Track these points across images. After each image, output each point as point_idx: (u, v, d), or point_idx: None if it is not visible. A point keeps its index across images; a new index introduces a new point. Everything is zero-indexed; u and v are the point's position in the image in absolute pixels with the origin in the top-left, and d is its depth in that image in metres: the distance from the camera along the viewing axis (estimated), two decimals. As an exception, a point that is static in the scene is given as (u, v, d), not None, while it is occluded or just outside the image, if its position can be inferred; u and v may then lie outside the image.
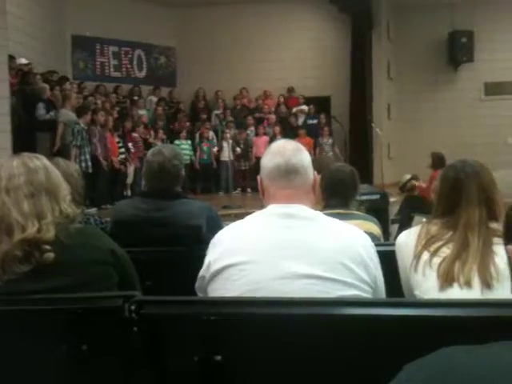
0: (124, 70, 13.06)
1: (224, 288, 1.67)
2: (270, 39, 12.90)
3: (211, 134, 11.80)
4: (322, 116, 12.20)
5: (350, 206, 2.86)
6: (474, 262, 1.77)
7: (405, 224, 6.12)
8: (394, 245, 2.03)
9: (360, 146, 12.17)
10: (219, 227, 2.02)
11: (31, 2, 10.50)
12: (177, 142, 10.91)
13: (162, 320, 1.56)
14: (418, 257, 1.86)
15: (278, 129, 11.58)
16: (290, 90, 12.96)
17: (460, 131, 12.35)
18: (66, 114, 8.83)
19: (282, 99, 12.81)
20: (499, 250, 1.76)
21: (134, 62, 13.18)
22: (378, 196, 5.85)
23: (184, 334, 1.55)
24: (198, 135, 11.75)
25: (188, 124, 11.88)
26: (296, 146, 1.84)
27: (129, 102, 11.83)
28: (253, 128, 12.02)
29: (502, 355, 0.69)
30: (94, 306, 1.60)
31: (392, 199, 7.41)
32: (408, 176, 10.17)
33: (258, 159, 2.82)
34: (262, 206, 1.81)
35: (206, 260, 1.76)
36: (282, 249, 1.65)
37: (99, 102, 10.56)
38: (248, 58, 12.88)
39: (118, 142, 9.86)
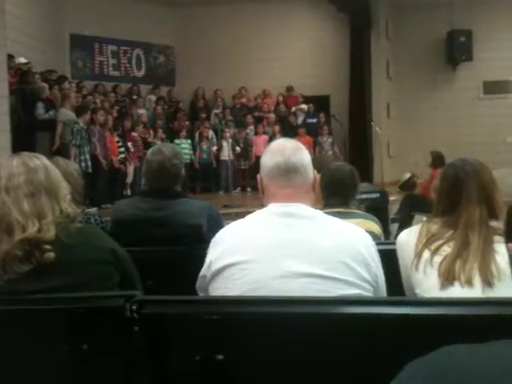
0: (123, 69, 13.05)
1: (225, 287, 1.67)
2: (269, 38, 12.90)
3: (211, 133, 11.80)
4: (322, 115, 12.21)
5: (349, 204, 2.86)
6: (474, 261, 1.77)
7: (405, 223, 6.11)
8: (394, 243, 2.03)
9: (359, 144, 12.18)
10: (220, 226, 2.02)
11: (30, 1, 10.49)
12: (177, 141, 10.90)
13: (164, 319, 1.56)
14: (418, 255, 1.86)
15: (277, 128, 11.58)
16: (289, 88, 12.96)
17: (459, 130, 12.35)
18: (66, 114, 8.83)
19: (281, 98, 12.81)
20: (500, 249, 1.77)
21: (133, 61, 13.17)
22: (377, 195, 5.85)
23: (185, 334, 1.55)
24: (197, 134, 11.74)
25: (187, 123, 11.87)
26: (296, 145, 1.84)
27: (128, 101, 11.82)
28: (252, 127, 12.02)
29: (503, 354, 0.69)
30: (95, 305, 1.60)
31: (392, 198, 7.41)
32: (408, 175, 10.17)
33: (258, 158, 2.82)
34: (262, 205, 1.81)
35: (207, 259, 1.76)
36: (283, 248, 1.65)
37: (98, 101, 10.56)
38: (247, 57, 12.87)
39: (118, 142, 9.86)
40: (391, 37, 12.78)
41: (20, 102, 8.46)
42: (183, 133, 11.40)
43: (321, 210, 1.95)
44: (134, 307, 1.52)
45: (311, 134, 11.70)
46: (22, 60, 9.42)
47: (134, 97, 12.03)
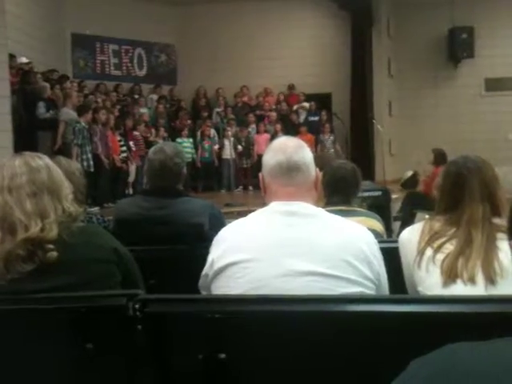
0: (124, 68, 13.05)
1: (227, 286, 1.67)
2: (271, 37, 12.89)
3: (212, 131, 11.80)
4: (323, 113, 12.19)
5: (351, 202, 2.86)
6: (477, 258, 1.76)
7: (407, 221, 6.11)
8: (396, 241, 2.03)
9: (361, 142, 12.17)
10: (222, 225, 2.01)
11: (30, 0, 10.50)
12: (178, 140, 10.90)
13: (166, 318, 1.56)
14: (421, 253, 1.86)
15: (279, 126, 11.57)
16: (291, 87, 12.96)
17: (461, 127, 12.33)
18: (67, 113, 8.84)
19: (281, 97, 12.80)
20: (503, 246, 1.76)
21: (135, 61, 13.17)
22: (379, 193, 5.84)
23: (188, 332, 1.55)
24: (199, 133, 11.74)
25: (189, 122, 11.87)
26: (298, 143, 1.83)
27: (130, 100, 11.82)
28: (254, 125, 12.02)
29: (505, 351, 0.68)
30: (98, 304, 1.60)
31: (394, 196, 7.40)
32: (410, 172, 10.16)
33: (260, 157, 2.82)
34: (264, 204, 1.81)
35: (210, 258, 1.76)
36: (285, 246, 1.65)
37: (100, 100, 10.56)
38: (248, 55, 12.87)
39: (120, 141, 9.87)
40: (392, 34, 12.75)
41: (22, 101, 8.47)
42: (185, 132, 11.40)
43: (323, 208, 1.95)
44: (136, 306, 1.52)
45: (313, 132, 11.69)
46: (24, 60, 9.43)
47: (136, 96, 12.03)
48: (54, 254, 1.65)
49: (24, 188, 1.71)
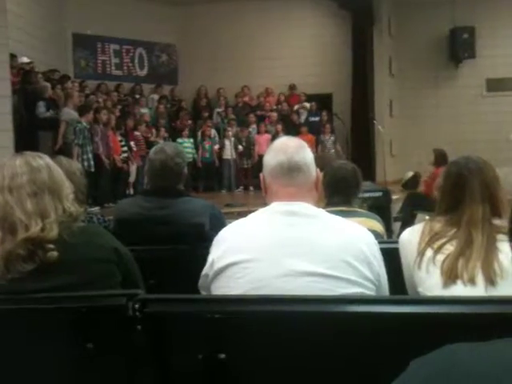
0: (125, 68, 13.06)
1: (227, 286, 1.67)
2: (271, 36, 12.89)
3: (213, 131, 11.80)
4: (324, 113, 12.19)
5: (352, 203, 2.86)
6: (477, 259, 1.76)
7: (407, 221, 6.11)
8: (397, 242, 2.03)
9: (362, 143, 12.16)
10: (222, 225, 2.02)
11: (31, 0, 10.50)
12: (179, 140, 10.90)
13: (166, 318, 1.56)
14: (421, 254, 1.86)
15: (280, 126, 11.56)
16: (292, 87, 12.96)
17: (462, 128, 12.32)
18: (68, 113, 8.84)
19: (282, 97, 12.80)
20: (503, 247, 1.76)
21: (136, 60, 13.17)
22: (380, 193, 5.84)
23: (188, 332, 1.55)
24: (199, 133, 11.74)
25: (190, 122, 11.87)
26: (299, 144, 1.83)
27: (131, 100, 11.82)
28: (255, 126, 12.01)
29: (505, 352, 0.68)
30: (98, 304, 1.61)
31: (394, 197, 7.40)
32: (410, 173, 10.16)
33: (261, 157, 2.82)
34: (264, 204, 1.81)
35: (210, 258, 1.76)
36: (285, 246, 1.65)
37: (101, 100, 10.56)
38: (249, 55, 12.87)
39: (121, 141, 9.87)
40: (394, 34, 12.75)
41: (22, 101, 8.47)
42: (186, 132, 11.40)
43: (323, 208, 1.95)
44: (136, 306, 1.52)
45: (313, 132, 11.68)
46: (25, 59, 9.43)
47: (137, 96, 12.03)
48: (55, 253, 1.66)
49: (25, 188, 1.71)
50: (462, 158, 2.05)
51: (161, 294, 1.66)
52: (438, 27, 12.61)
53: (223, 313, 1.49)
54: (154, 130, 11.02)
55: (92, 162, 8.85)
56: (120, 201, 3.59)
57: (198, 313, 1.53)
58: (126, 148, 9.97)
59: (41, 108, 8.55)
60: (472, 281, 1.73)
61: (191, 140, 11.48)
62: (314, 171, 1.82)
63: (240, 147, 11.70)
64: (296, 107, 12.58)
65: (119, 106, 11.09)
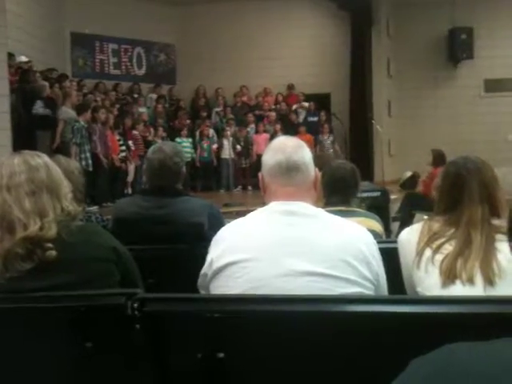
0: (124, 67, 13.05)
1: (226, 285, 1.67)
2: (270, 36, 12.89)
3: (211, 131, 11.80)
4: (322, 113, 12.19)
5: (351, 203, 2.86)
6: (476, 259, 1.76)
7: (406, 221, 6.12)
8: (395, 242, 2.03)
9: (360, 143, 12.18)
10: (221, 224, 2.01)
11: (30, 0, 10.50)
12: (178, 139, 10.90)
13: (165, 317, 1.56)
14: (420, 253, 1.86)
15: (278, 126, 11.57)
16: (290, 87, 12.96)
17: (460, 128, 12.34)
18: (66, 112, 8.83)
19: (280, 97, 12.80)
20: (502, 247, 1.77)
21: (134, 60, 13.17)
22: (378, 193, 5.85)
23: (187, 332, 1.55)
24: (198, 133, 11.74)
25: (188, 122, 11.87)
26: (297, 143, 1.83)
27: (129, 99, 11.81)
28: (253, 125, 12.01)
29: (504, 352, 0.68)
30: (97, 303, 1.60)
31: (392, 196, 7.41)
32: (409, 173, 10.18)
33: (259, 157, 2.82)
34: (263, 204, 1.81)
35: (208, 257, 1.76)
36: (284, 246, 1.65)
37: (99, 99, 10.55)
38: (248, 55, 12.87)
39: (119, 140, 9.86)
40: (392, 35, 12.76)
41: (21, 100, 8.46)
42: (184, 131, 11.40)
43: (322, 208, 1.95)
44: (135, 305, 1.52)
45: (312, 132, 11.69)
46: (23, 58, 9.42)
47: (135, 95, 12.03)
48: (53, 252, 1.65)
49: (23, 187, 1.71)
50: (461, 158, 2.05)
51: (159, 294, 1.66)
52: (437, 28, 12.62)
53: (222, 312, 1.49)
54: (152, 130, 11.01)
55: (90, 161, 8.84)
56: (118, 200, 3.58)
57: (196, 312, 1.53)
58: (124, 147, 9.97)
59: (37, 105, 8.53)
60: (471, 281, 1.74)
61: (190, 140, 11.48)
62: (312, 171, 1.82)
63: (238, 147, 11.71)
64: (295, 106, 12.59)
65: (117, 105, 11.08)
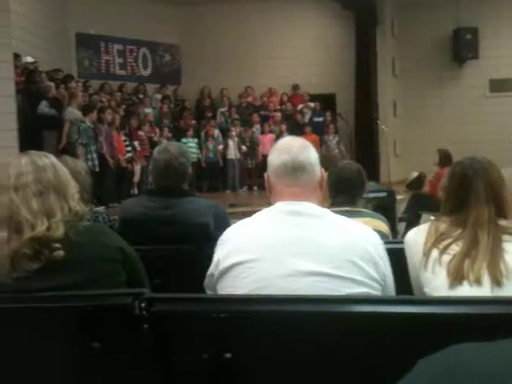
0: (129, 68, 13.07)
1: (233, 285, 1.67)
2: (274, 37, 12.89)
3: (216, 132, 11.80)
4: (328, 113, 12.18)
5: (357, 203, 2.85)
6: (483, 260, 1.76)
7: (412, 222, 6.10)
8: (402, 242, 2.02)
9: (366, 143, 12.16)
10: (227, 225, 2.02)
11: (34, 0, 10.51)
12: (184, 140, 10.91)
13: (172, 317, 1.56)
14: (427, 254, 1.85)
15: (284, 126, 11.56)
16: (295, 87, 12.95)
17: (466, 128, 12.30)
18: (72, 113, 8.86)
19: (285, 97, 12.79)
20: (509, 248, 1.76)
21: (139, 60, 13.19)
22: (384, 194, 5.84)
23: (193, 332, 1.55)
24: (203, 133, 11.75)
25: (193, 122, 11.88)
26: (303, 143, 1.83)
27: (135, 99, 11.83)
28: (258, 126, 12.01)
29: (511, 352, 0.68)
30: (104, 303, 1.61)
31: (399, 197, 7.39)
32: (415, 173, 10.15)
33: (265, 157, 2.82)
34: (268, 204, 1.82)
35: (215, 258, 1.76)
36: (290, 246, 1.65)
37: (105, 100, 10.58)
38: (253, 55, 12.87)
39: (125, 141, 9.88)
40: (397, 35, 12.74)
41: (27, 101, 8.49)
42: (190, 132, 11.41)
43: (328, 208, 1.95)
44: (142, 305, 1.52)
45: (317, 132, 11.68)
46: (29, 59, 9.45)
47: (141, 96, 12.05)
48: (61, 252, 1.66)
49: (30, 187, 1.72)
50: (467, 158, 2.04)
51: (166, 294, 1.66)
52: (442, 28, 12.60)
53: (229, 312, 1.49)
54: (157, 130, 11.03)
55: (96, 162, 8.87)
56: (124, 201, 3.59)
57: (203, 312, 1.53)
58: (130, 148, 9.98)
59: (42, 106, 8.56)
60: (478, 281, 1.73)
61: (196, 140, 11.49)
62: (318, 171, 1.82)
63: (243, 147, 11.71)
64: (300, 106, 12.58)
65: (123, 106, 11.10)
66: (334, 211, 1.85)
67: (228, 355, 1.45)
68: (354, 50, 12.73)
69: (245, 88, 12.87)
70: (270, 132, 11.67)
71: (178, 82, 13.48)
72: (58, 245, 1.66)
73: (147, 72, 13.33)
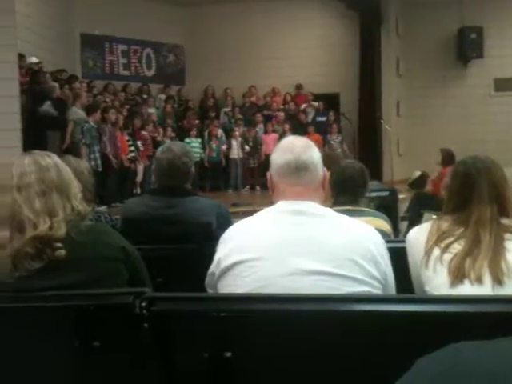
0: (133, 68, 13.09)
1: (234, 284, 1.67)
2: (278, 37, 12.89)
3: (220, 131, 11.80)
4: (331, 113, 12.17)
5: (359, 202, 2.85)
6: (485, 259, 1.76)
7: (414, 221, 6.10)
8: (404, 241, 2.02)
9: (369, 142, 12.13)
10: (229, 224, 2.02)
11: (39, 0, 10.54)
12: (187, 140, 10.93)
13: (173, 316, 1.56)
14: (428, 253, 1.85)
15: (287, 126, 11.56)
16: (299, 87, 12.94)
17: (470, 128, 12.27)
18: (76, 113, 8.88)
19: (288, 97, 12.79)
20: (511, 246, 1.76)
21: (143, 61, 13.21)
22: (387, 193, 5.83)
23: (194, 331, 1.55)
24: (206, 133, 11.76)
25: (197, 122, 11.89)
26: (306, 143, 1.84)
27: (139, 99, 11.85)
28: (261, 125, 12.02)
29: (511, 350, 0.68)
30: (106, 302, 1.61)
31: (401, 196, 7.38)
32: (417, 173, 10.13)
33: (267, 157, 2.82)
34: (271, 204, 1.82)
35: (216, 256, 1.76)
36: (292, 245, 1.65)
37: (108, 100, 10.60)
38: (256, 55, 12.87)
39: (128, 141, 9.89)
40: (401, 34, 12.71)
41: (31, 101, 8.51)
42: (193, 132, 11.42)
43: (330, 207, 1.95)
44: (143, 304, 1.52)
45: (320, 132, 11.67)
46: (34, 59, 9.47)
47: (145, 96, 12.07)
48: (63, 252, 1.67)
49: (33, 186, 1.72)
50: (470, 157, 2.04)
51: (167, 293, 1.66)
52: (446, 27, 12.56)
53: (229, 311, 1.49)
54: (161, 130, 11.04)
55: (99, 162, 8.88)
56: (127, 200, 3.59)
57: (204, 311, 1.53)
58: (133, 148, 10.00)
59: (45, 106, 8.57)
60: (479, 280, 1.73)
61: (199, 140, 11.50)
62: (321, 170, 1.82)
63: (246, 147, 11.71)
64: (303, 106, 12.57)
65: (127, 106, 11.12)
66: (336, 210, 1.86)
67: (228, 354, 1.45)
68: (358, 49, 12.71)
69: (248, 88, 12.87)
70: (273, 132, 11.67)
71: (181, 83, 13.50)
72: (59, 244, 1.67)
73: (151, 72, 13.35)
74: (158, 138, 10.58)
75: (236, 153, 11.54)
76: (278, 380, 1.51)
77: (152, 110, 11.59)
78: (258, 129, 11.98)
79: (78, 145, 8.70)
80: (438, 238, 1.86)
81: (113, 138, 9.36)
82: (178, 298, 1.62)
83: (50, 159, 1.81)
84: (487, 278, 1.73)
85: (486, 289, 1.71)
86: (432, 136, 11.68)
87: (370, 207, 3.25)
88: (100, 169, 8.81)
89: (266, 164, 9.33)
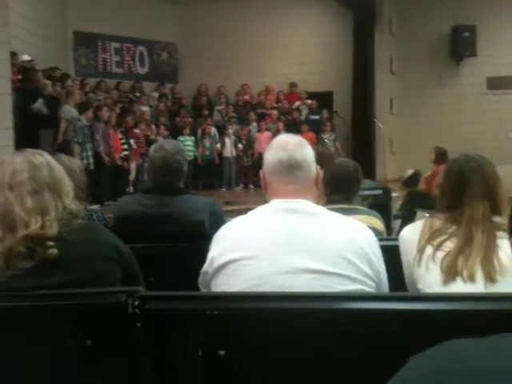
0: (126, 66, 13.06)
1: (227, 283, 1.67)
2: (272, 35, 12.88)
3: (213, 129, 11.79)
4: (325, 111, 12.18)
5: (352, 201, 2.86)
6: (477, 257, 1.76)
7: (407, 219, 6.11)
8: (397, 240, 2.03)
9: (362, 141, 12.14)
10: (222, 222, 2.01)
11: (33, -2, 10.51)
12: (180, 138, 10.90)
13: (166, 315, 1.56)
14: (421, 251, 1.86)
15: (280, 124, 11.57)
16: (292, 85, 12.94)
17: (463, 126, 12.31)
18: (69, 111, 8.84)
19: (281, 96, 12.79)
20: (503, 244, 1.77)
21: (136, 59, 13.18)
22: (380, 191, 5.84)
23: (187, 329, 1.55)
24: (200, 131, 11.74)
25: (190, 120, 11.87)
26: (299, 141, 1.83)
27: (133, 97, 11.82)
28: (255, 124, 12.01)
29: (503, 347, 0.68)
30: (98, 301, 1.60)
31: (394, 194, 7.40)
32: (410, 171, 10.16)
33: (261, 155, 2.82)
34: (264, 202, 1.81)
35: (209, 255, 1.76)
36: (286, 244, 1.65)
37: (101, 98, 10.56)
38: (250, 53, 12.86)
39: (121, 139, 9.86)
40: (395, 32, 12.72)
41: (23, 99, 8.47)
42: (187, 130, 11.40)
43: (324, 205, 1.95)
44: (136, 303, 1.52)
45: (314, 130, 11.67)
46: (26, 57, 9.42)
47: (138, 94, 12.03)
48: (55, 251, 1.66)
49: (25, 185, 1.71)
50: (463, 155, 2.05)
51: (160, 291, 1.66)
52: (440, 26, 12.59)
53: (223, 310, 1.49)
54: (154, 128, 11.01)
55: (92, 160, 8.85)
56: (119, 199, 3.58)
57: (197, 310, 1.53)
58: (126, 146, 9.97)
59: (38, 104, 8.53)
60: (472, 278, 1.73)
61: (192, 138, 11.48)
62: (314, 168, 1.82)
63: (240, 145, 11.70)
64: (297, 103, 12.57)
65: (120, 104, 11.09)
66: (329, 208, 1.86)
67: (222, 353, 1.45)
68: (351, 48, 12.71)
69: (242, 86, 12.87)
70: (267, 130, 11.65)
71: (175, 81, 13.47)
72: (51, 243, 1.66)
73: (144, 70, 13.32)
74: (151, 137, 10.55)
75: (229, 151, 11.53)
76: (272, 378, 1.51)
77: (145, 108, 11.55)
78: (251, 127, 11.97)
79: (70, 143, 8.65)
80: (430, 236, 1.87)
81: (106, 136, 9.33)
82: (171, 296, 1.61)
83: (42, 158, 1.80)
84: (480, 276, 1.74)
85: (479, 287, 1.72)
86: (425, 134, 11.71)
87: (364, 205, 3.26)
88: (92, 167, 8.77)
89: (259, 162, 9.30)
